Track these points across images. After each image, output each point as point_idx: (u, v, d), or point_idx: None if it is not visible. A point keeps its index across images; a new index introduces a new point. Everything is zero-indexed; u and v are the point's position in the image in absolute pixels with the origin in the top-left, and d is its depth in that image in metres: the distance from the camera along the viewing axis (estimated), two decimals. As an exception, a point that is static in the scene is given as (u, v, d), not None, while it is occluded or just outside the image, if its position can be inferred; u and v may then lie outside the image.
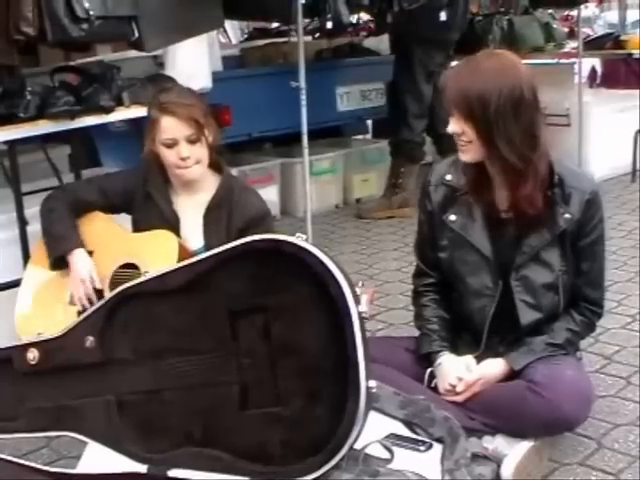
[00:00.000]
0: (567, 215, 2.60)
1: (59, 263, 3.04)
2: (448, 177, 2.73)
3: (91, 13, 3.46)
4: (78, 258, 3.00)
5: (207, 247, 2.85)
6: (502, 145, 2.48)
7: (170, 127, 2.88)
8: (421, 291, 2.87)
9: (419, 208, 2.87)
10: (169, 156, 2.92)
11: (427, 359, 2.73)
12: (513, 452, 2.45)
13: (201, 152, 2.92)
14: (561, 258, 2.64)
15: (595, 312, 2.76)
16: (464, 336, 2.78)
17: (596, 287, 2.75)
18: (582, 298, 2.72)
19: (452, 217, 2.71)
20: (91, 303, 2.91)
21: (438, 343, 2.73)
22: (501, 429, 2.53)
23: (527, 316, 2.65)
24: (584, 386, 2.60)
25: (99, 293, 2.97)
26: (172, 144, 2.89)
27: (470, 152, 2.57)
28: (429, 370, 2.71)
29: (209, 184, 3.03)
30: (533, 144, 2.52)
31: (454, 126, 2.55)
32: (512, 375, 2.63)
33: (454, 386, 2.62)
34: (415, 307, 2.90)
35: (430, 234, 2.80)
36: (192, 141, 2.89)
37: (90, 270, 3.00)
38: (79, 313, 2.92)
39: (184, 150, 2.88)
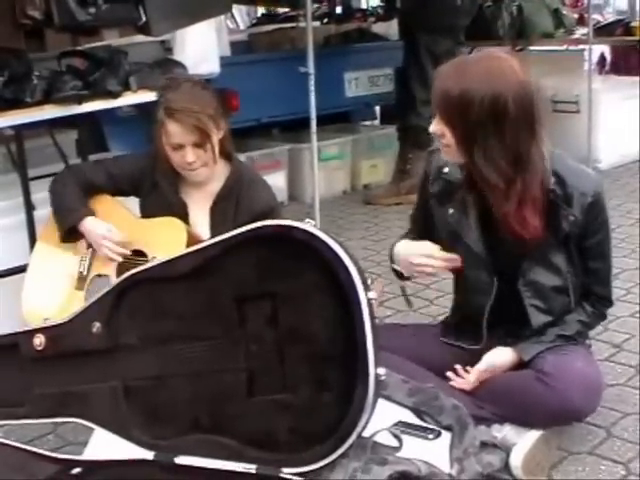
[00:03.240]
0: (570, 217, 2.53)
1: (70, 235, 3.04)
2: (445, 170, 2.68)
3: (98, -3, 3.45)
4: (90, 223, 3.02)
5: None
6: (480, 161, 2.41)
7: (176, 133, 2.85)
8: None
9: (418, 194, 2.84)
10: (175, 158, 2.90)
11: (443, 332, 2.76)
12: (522, 441, 2.43)
13: (208, 155, 2.89)
14: (567, 260, 2.60)
15: (605, 304, 2.74)
16: (466, 328, 2.76)
17: (605, 285, 2.72)
18: (592, 293, 2.70)
19: (450, 210, 2.67)
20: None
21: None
22: (509, 418, 2.51)
23: (538, 319, 2.62)
24: (594, 377, 2.58)
25: (105, 279, 2.97)
26: (178, 148, 2.87)
27: (450, 154, 2.52)
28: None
29: (218, 173, 3.00)
30: (518, 164, 2.42)
31: (434, 127, 2.48)
32: (521, 364, 2.61)
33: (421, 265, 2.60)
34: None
35: (427, 221, 2.77)
36: (198, 145, 2.86)
37: (107, 226, 3.01)
38: (86, 298, 2.92)
39: (189, 155, 2.86)
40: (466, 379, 2.59)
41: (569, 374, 2.49)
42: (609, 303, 2.76)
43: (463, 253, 2.63)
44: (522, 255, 2.58)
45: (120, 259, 2.98)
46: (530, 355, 2.58)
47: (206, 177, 2.96)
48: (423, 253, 2.61)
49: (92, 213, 3.04)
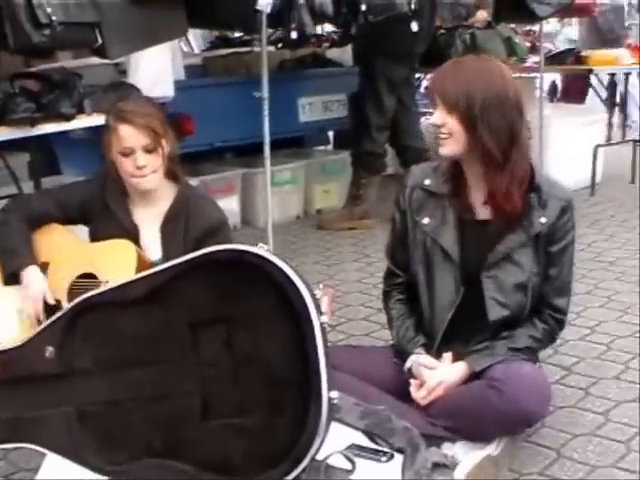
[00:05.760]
0: (543, 219, 2.65)
1: (12, 279, 3.00)
2: (427, 182, 2.77)
3: (53, 19, 3.42)
4: (31, 276, 2.94)
5: (165, 258, 2.83)
6: (485, 134, 2.55)
7: (127, 136, 2.85)
8: (389, 291, 2.92)
9: (395, 207, 2.88)
10: (125, 165, 2.89)
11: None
12: (466, 459, 2.46)
13: (157, 162, 2.90)
14: (533, 261, 2.68)
15: (558, 320, 2.79)
16: (421, 338, 2.79)
17: (563, 294, 2.78)
18: (547, 305, 2.75)
19: (425, 220, 2.75)
20: (39, 322, 2.85)
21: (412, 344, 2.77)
22: (463, 432, 2.55)
23: (495, 313, 2.68)
24: (542, 382, 2.65)
25: (57, 303, 2.94)
26: (129, 153, 2.86)
27: (449, 145, 2.62)
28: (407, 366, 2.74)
29: (166, 194, 3.01)
30: (515, 141, 2.59)
31: (437, 118, 2.61)
32: (473, 377, 2.65)
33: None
34: (385, 309, 2.94)
35: (403, 234, 2.82)
36: (149, 150, 2.87)
37: (42, 288, 2.93)
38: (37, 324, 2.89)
39: (141, 159, 2.86)
40: (418, 396, 2.63)
41: (518, 378, 2.55)
42: (563, 316, 2.80)
43: (438, 261, 2.72)
44: (490, 252, 2.67)
45: (36, 323, 2.90)
46: (481, 366, 2.63)
47: (156, 185, 2.94)
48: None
49: (34, 261, 2.97)
